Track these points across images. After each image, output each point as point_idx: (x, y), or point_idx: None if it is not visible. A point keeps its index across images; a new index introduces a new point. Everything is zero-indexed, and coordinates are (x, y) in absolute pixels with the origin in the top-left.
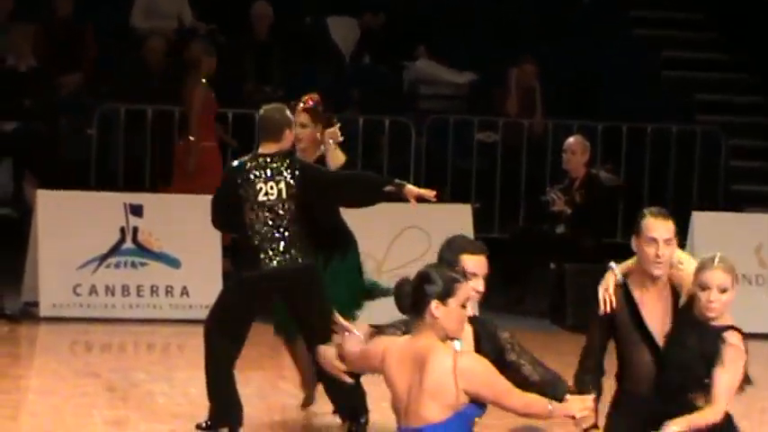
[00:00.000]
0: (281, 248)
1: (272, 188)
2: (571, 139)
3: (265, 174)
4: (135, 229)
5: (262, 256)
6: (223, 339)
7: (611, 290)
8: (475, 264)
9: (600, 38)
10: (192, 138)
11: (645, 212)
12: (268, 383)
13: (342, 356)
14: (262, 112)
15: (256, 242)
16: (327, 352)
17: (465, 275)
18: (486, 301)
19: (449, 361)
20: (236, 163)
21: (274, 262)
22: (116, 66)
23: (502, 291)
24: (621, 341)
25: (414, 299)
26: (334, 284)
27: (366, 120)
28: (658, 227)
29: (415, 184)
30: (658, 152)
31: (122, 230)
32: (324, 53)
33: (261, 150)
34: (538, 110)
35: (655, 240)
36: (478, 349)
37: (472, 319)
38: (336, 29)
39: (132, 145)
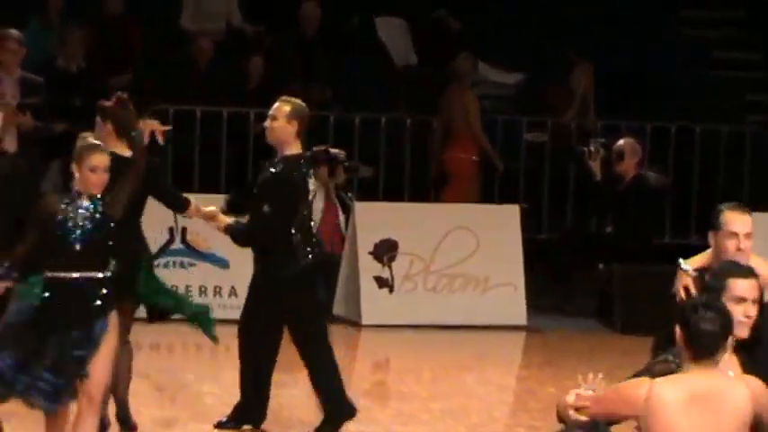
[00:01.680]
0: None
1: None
2: (621, 142)
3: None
4: (184, 230)
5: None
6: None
7: (690, 285)
8: (743, 288)
9: (649, 38)
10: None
11: (722, 207)
12: None
13: (579, 404)
14: None
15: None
16: (562, 400)
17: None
18: (533, 302)
19: (741, 388)
20: (300, 164)
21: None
22: (165, 66)
23: (550, 291)
24: None
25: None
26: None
27: (414, 120)
28: (739, 220)
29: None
30: (708, 153)
31: (171, 231)
32: (371, 53)
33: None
34: (591, 112)
35: (735, 234)
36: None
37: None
38: (384, 29)
39: (181, 145)
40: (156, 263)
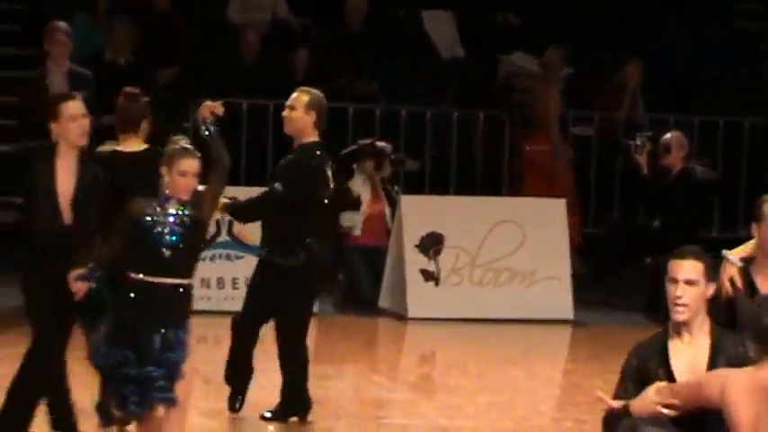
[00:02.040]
0: None
1: None
2: (668, 135)
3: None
4: (230, 223)
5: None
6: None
7: (736, 276)
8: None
9: (698, 31)
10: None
11: (765, 198)
12: (362, 377)
13: (672, 392)
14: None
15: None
16: (649, 392)
17: None
18: (579, 296)
19: None
20: (318, 152)
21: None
22: (212, 59)
23: (596, 285)
24: (741, 325)
25: None
26: None
27: (460, 113)
28: None
29: (509, 178)
30: (756, 146)
31: (218, 223)
32: (418, 46)
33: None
34: (639, 106)
35: None
36: None
37: None
38: (431, 22)
39: (227, 139)
40: (202, 255)
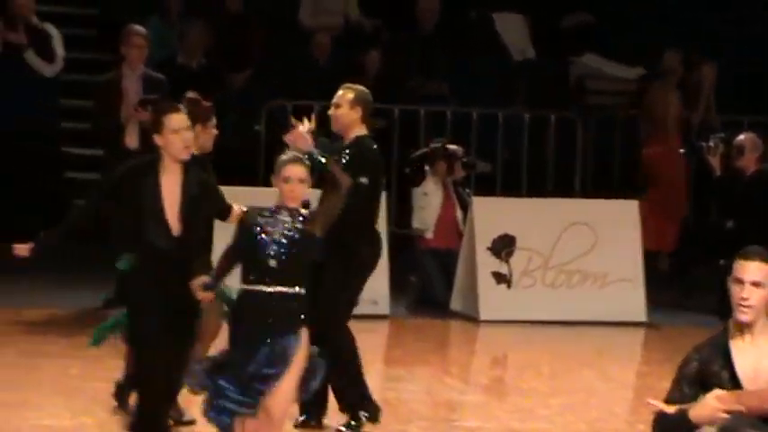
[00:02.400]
0: None
1: None
2: (741, 137)
3: None
4: None
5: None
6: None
7: None
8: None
9: None
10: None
11: None
12: (435, 379)
13: (737, 399)
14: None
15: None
16: (708, 398)
17: None
18: (653, 297)
19: None
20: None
21: None
22: (284, 62)
23: (670, 286)
24: None
25: None
26: None
27: (532, 115)
28: None
29: (581, 181)
30: None
31: None
32: (489, 48)
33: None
34: (712, 108)
35: None
36: None
37: None
38: (502, 24)
39: None
40: None
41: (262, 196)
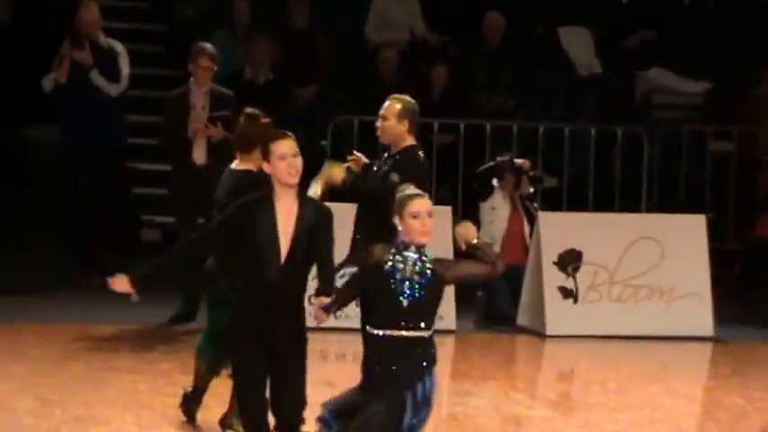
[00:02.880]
0: None
1: None
2: None
3: None
4: None
5: None
6: None
7: None
8: None
9: None
10: None
11: None
12: (502, 394)
13: None
14: None
15: None
16: None
17: None
18: (719, 312)
19: None
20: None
21: None
22: (349, 77)
23: (736, 301)
24: None
25: None
26: None
27: (598, 130)
28: None
29: (647, 195)
30: None
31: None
32: (555, 62)
33: None
34: None
35: None
36: None
37: None
38: (568, 38)
39: (367, 156)
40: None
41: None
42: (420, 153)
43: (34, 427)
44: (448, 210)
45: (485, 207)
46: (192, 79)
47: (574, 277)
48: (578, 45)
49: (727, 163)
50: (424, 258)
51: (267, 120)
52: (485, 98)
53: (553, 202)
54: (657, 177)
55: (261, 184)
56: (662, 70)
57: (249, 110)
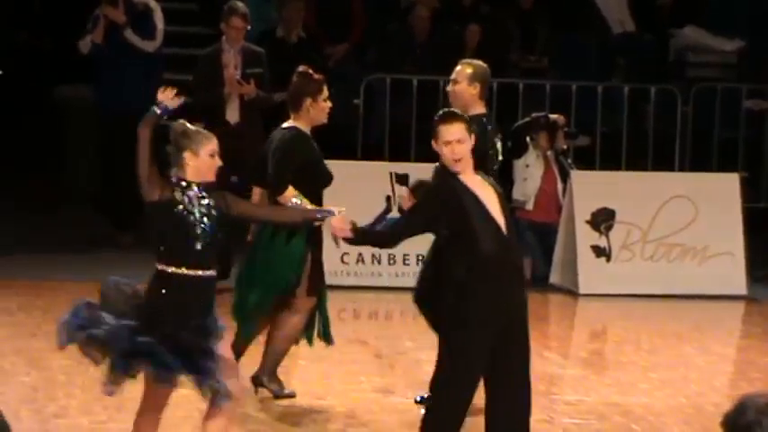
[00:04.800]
0: None
1: None
2: None
3: None
4: (401, 198)
5: None
6: None
7: None
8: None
9: None
10: None
11: None
12: (534, 353)
13: None
14: None
15: None
16: None
17: None
18: (753, 271)
19: None
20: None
21: None
22: (382, 36)
23: None
24: None
25: None
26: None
27: (631, 88)
28: None
29: (680, 154)
30: None
31: (388, 199)
32: (588, 21)
33: None
34: None
35: None
36: None
37: None
38: None
39: (397, 114)
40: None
41: (360, 170)
42: (486, 125)
43: (68, 383)
44: None
45: (518, 164)
46: (224, 38)
47: (607, 236)
48: (612, 3)
49: (762, 121)
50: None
51: (319, 77)
52: (518, 57)
53: (586, 160)
54: (691, 136)
55: (308, 143)
56: (696, 28)
57: (302, 68)
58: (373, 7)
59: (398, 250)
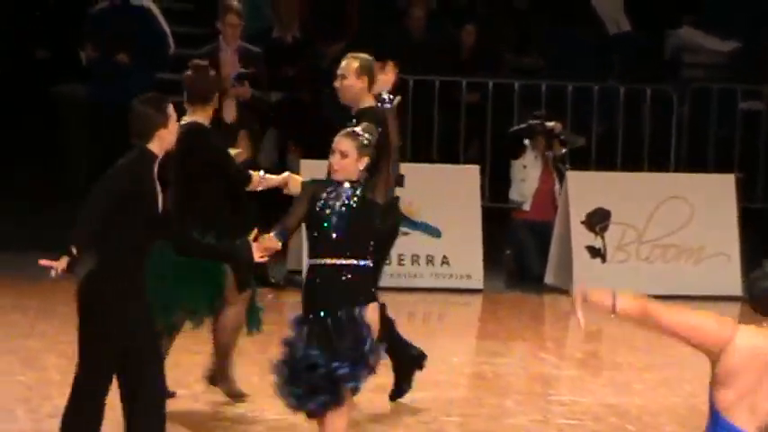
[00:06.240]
0: None
1: None
2: None
3: None
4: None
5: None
6: None
7: None
8: None
9: None
10: None
11: None
12: (530, 353)
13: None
14: None
15: None
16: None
17: None
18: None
19: None
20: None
21: None
22: (378, 36)
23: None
24: None
25: None
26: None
27: (627, 89)
28: None
29: (676, 154)
30: None
31: None
32: (584, 21)
33: None
34: None
35: None
36: None
37: None
38: None
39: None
40: None
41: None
42: (379, 119)
43: (63, 383)
44: (476, 168)
45: (516, 165)
46: (221, 37)
47: (602, 237)
48: (607, 2)
49: (757, 122)
50: (355, 191)
51: (214, 72)
52: (513, 57)
53: (582, 161)
54: (687, 136)
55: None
56: (692, 29)
57: (196, 62)
58: (369, 7)
59: (394, 250)
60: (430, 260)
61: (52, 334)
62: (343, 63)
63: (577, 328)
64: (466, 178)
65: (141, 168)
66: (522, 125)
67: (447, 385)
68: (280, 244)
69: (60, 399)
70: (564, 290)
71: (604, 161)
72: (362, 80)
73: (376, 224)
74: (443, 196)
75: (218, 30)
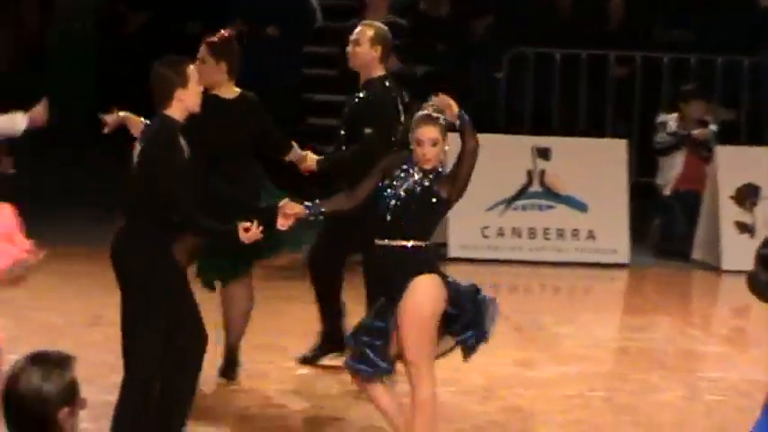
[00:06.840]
0: None
1: None
2: None
3: None
4: (542, 172)
5: None
6: None
7: None
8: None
9: None
10: None
11: None
12: (676, 329)
13: None
14: None
15: None
16: None
17: None
18: None
19: None
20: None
21: None
22: (525, 9)
23: None
24: None
25: None
26: None
27: None
28: None
29: None
30: None
31: (529, 173)
32: None
33: None
34: None
35: None
36: None
37: None
38: None
39: (540, 88)
40: (514, 205)
41: (501, 144)
42: (385, 90)
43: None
44: (623, 143)
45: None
46: (367, 10)
47: (751, 212)
48: None
49: None
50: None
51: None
52: (662, 30)
53: (731, 136)
54: None
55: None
56: None
57: (230, 30)
58: None
59: (539, 224)
60: (575, 234)
61: None
62: (358, 29)
63: (725, 304)
64: (613, 152)
65: (167, 136)
66: (670, 137)
67: (592, 360)
68: (306, 212)
69: None
70: (712, 265)
71: (754, 136)
72: (376, 49)
73: (435, 218)
74: (590, 170)
75: (364, 2)
